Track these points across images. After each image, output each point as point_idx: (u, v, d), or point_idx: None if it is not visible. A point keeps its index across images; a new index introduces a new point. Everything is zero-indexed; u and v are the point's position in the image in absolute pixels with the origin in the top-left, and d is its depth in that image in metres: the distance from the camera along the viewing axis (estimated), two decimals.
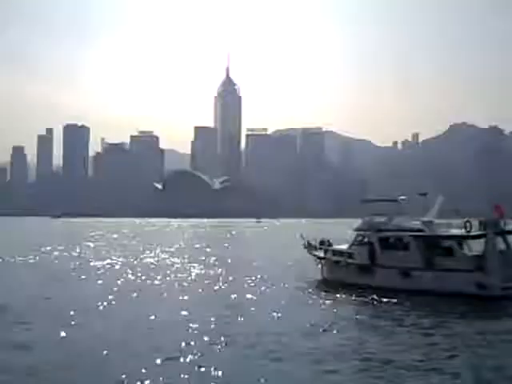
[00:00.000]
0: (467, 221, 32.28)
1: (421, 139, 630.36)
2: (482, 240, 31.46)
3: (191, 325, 23.00)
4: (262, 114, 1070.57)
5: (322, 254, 39.68)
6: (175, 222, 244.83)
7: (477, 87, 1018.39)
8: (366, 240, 36.33)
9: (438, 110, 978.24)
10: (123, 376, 15.88)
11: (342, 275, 36.73)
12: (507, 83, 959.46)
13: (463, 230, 32.17)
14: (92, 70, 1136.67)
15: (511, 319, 25.69)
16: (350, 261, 36.35)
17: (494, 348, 19.77)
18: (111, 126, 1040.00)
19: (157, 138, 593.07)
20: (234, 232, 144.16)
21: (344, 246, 38.48)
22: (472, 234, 31.87)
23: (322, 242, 41.09)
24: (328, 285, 36.67)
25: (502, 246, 32.01)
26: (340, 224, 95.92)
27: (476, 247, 32.60)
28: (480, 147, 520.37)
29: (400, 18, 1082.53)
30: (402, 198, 38.17)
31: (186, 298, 30.69)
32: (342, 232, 46.83)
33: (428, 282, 31.19)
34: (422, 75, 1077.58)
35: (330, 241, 41.14)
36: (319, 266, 40.41)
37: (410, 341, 20.79)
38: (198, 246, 79.99)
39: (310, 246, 41.86)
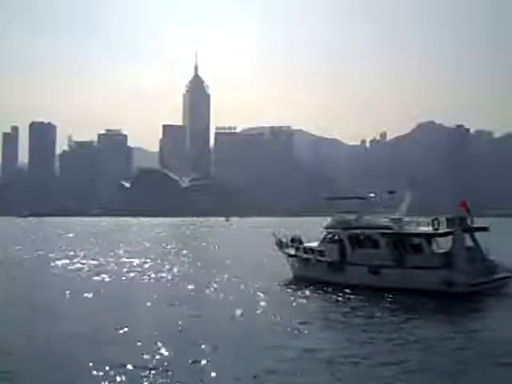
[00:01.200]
0: (435, 218, 32.73)
1: (388, 138, 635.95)
2: (450, 237, 31.92)
3: (158, 325, 22.82)
4: (231, 113, 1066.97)
5: (292, 252, 39.81)
6: (143, 221, 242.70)
7: (444, 87, 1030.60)
8: (336, 237, 36.56)
9: (405, 108, 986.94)
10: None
11: (313, 273, 36.89)
12: (474, 83, 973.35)
13: (431, 228, 32.59)
14: (65, 66, 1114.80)
15: (475, 316, 25.87)
16: (320, 258, 36.52)
17: (456, 344, 19.89)
18: (79, 124, 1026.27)
19: (125, 136, 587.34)
20: (202, 230, 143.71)
21: (315, 244, 38.63)
22: (440, 231, 32.30)
23: (293, 240, 41.18)
24: (298, 282, 36.73)
25: (469, 242, 32.49)
26: (310, 222, 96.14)
27: (445, 244, 32.98)
28: (447, 146, 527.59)
29: (373, 15, 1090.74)
30: (371, 195, 38.45)
31: (152, 297, 30.23)
32: (313, 230, 46.81)
33: (397, 279, 31.41)
34: (390, 74, 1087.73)
35: (301, 238, 41.29)
36: (290, 263, 40.55)
37: (376, 339, 20.82)
38: (165, 245, 78.94)
39: (281, 244, 42.01)
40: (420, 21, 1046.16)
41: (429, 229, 32.76)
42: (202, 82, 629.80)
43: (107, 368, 16.54)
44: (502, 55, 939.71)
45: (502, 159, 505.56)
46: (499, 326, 23.24)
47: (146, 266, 47.19)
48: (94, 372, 16.23)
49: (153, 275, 40.22)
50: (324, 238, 37.78)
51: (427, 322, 24.00)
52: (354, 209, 38.62)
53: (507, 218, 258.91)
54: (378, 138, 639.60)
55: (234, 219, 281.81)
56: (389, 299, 29.12)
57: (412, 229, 33.94)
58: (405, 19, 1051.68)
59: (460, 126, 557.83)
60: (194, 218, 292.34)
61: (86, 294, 30.80)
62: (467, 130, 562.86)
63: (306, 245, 39.78)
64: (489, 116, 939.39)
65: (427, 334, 21.35)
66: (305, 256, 38.23)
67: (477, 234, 33.18)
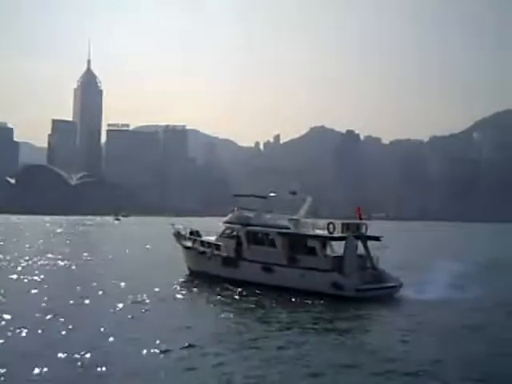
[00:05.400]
0: (330, 222, 33.35)
1: (282, 141, 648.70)
2: (344, 242, 32.42)
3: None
4: (124, 110, 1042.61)
5: (189, 244, 39.51)
6: (28, 219, 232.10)
7: (337, 93, 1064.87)
8: (234, 233, 36.76)
9: (298, 112, 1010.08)
10: None
11: (208, 267, 37.09)
12: (365, 91, 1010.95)
13: (326, 231, 33.05)
14: None
15: (359, 322, 26.17)
16: (216, 252, 36.48)
17: (333, 350, 20.03)
18: None
19: (10, 129, 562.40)
20: (91, 229, 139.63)
21: (212, 238, 38.48)
22: (334, 235, 32.90)
23: (191, 233, 41.11)
24: (192, 276, 37.03)
25: (361, 249, 33.12)
26: (204, 222, 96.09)
27: (338, 248, 33.55)
28: (337, 150, 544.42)
29: (275, 19, 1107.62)
30: (272, 194, 38.66)
31: (26, 301, 28.42)
32: (210, 227, 45.92)
33: (290, 279, 32.00)
34: (284, 77, 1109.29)
35: (200, 232, 41.21)
36: (186, 256, 40.38)
37: (252, 343, 20.73)
38: (51, 245, 73.12)
39: (179, 236, 41.68)
40: (314, 30, 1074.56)
41: (324, 232, 33.24)
42: (95, 76, 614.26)
43: None
44: (390, 61, 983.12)
45: (389, 164, 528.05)
46: (380, 333, 23.62)
47: (23, 267, 43.03)
48: None
49: (30, 278, 36.37)
50: (222, 233, 37.83)
51: (308, 325, 24.11)
52: (251, 208, 38.88)
53: (391, 220, 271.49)
54: (272, 140, 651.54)
55: (124, 218, 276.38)
56: (277, 298, 29.51)
57: (308, 231, 34.30)
58: (308, 27, 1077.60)
59: (350, 132, 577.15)
60: (83, 217, 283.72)
61: None
62: (357, 135, 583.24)
63: (203, 238, 39.72)
64: (378, 123, 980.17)
65: (305, 339, 21.35)
66: (201, 249, 37.99)
67: (369, 242, 33.78)
